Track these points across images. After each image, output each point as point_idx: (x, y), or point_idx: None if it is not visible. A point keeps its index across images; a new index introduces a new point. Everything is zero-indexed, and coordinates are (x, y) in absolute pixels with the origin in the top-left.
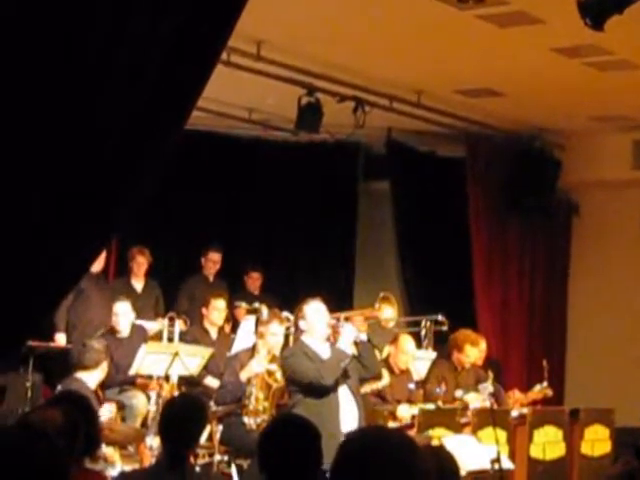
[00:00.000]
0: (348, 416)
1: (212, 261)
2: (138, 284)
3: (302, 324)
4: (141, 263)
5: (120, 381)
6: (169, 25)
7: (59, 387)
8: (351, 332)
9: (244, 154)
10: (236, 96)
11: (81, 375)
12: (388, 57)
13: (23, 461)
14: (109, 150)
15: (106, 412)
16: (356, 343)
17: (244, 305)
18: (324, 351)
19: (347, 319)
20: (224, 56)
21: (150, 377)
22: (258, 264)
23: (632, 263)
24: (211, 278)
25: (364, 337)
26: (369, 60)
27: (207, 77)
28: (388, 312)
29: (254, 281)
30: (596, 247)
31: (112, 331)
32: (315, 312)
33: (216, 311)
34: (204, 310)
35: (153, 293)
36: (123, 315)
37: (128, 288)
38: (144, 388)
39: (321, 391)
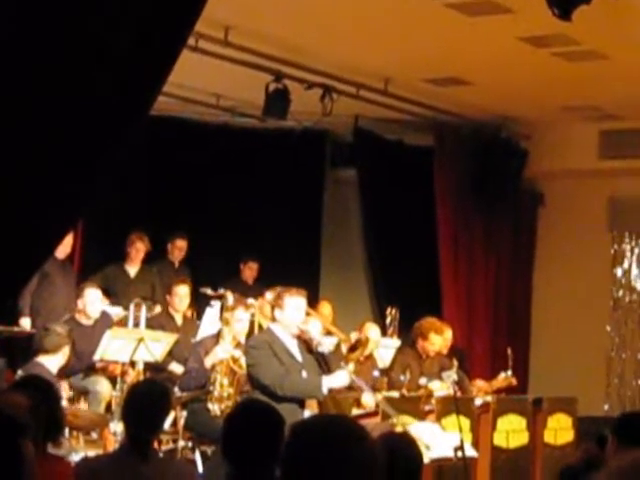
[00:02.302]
0: None
1: (178, 248)
2: (132, 269)
3: (277, 313)
4: (140, 249)
5: (81, 368)
6: (135, 9)
7: (19, 372)
8: (344, 380)
9: (211, 140)
10: (204, 82)
11: (42, 359)
12: (356, 44)
13: None
14: (73, 132)
15: None
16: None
17: (209, 291)
18: (291, 343)
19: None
20: (191, 41)
21: (115, 362)
22: (254, 253)
23: (597, 253)
24: (176, 264)
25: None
26: (337, 47)
27: (173, 62)
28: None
29: (251, 271)
30: (561, 237)
31: (76, 318)
32: (295, 309)
33: (177, 297)
34: (167, 296)
35: (148, 280)
36: (92, 303)
37: (121, 273)
38: (104, 371)
39: (275, 398)
